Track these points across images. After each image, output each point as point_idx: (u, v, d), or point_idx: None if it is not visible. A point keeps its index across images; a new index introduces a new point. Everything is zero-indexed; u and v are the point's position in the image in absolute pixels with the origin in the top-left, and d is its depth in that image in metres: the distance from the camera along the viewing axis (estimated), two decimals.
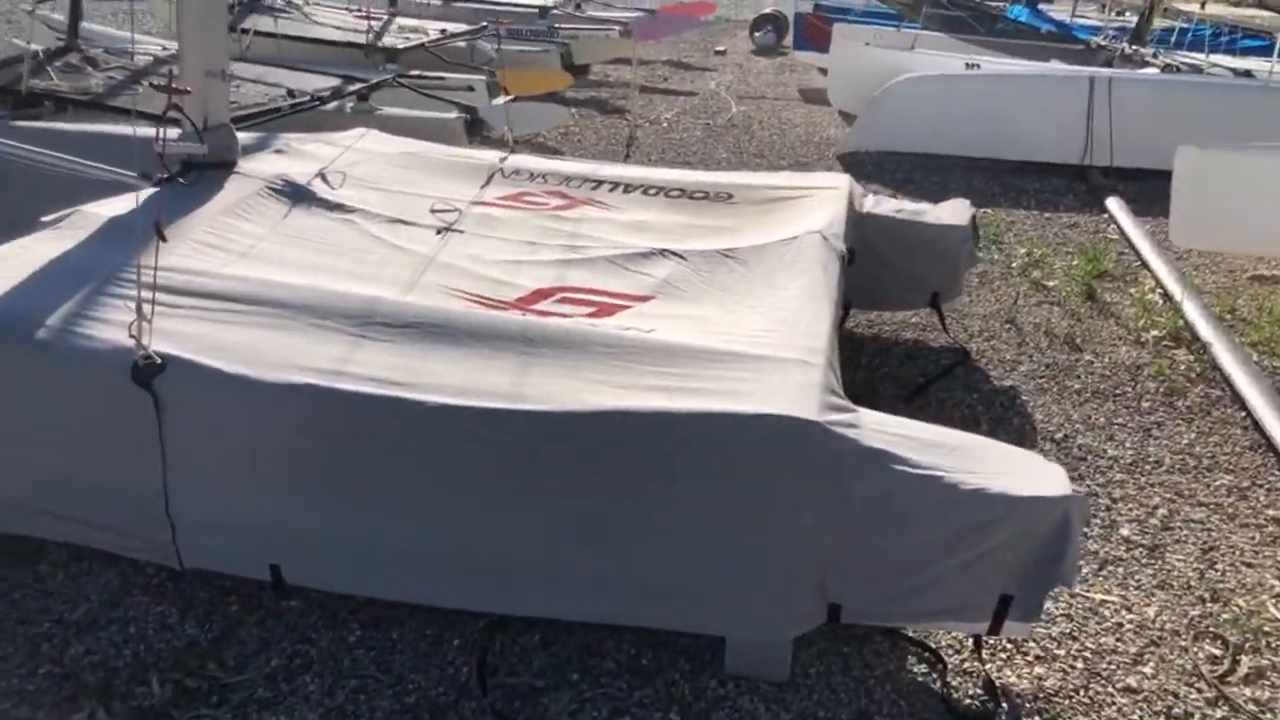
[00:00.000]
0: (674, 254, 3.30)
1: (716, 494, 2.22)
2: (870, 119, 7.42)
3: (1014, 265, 5.25)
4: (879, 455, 2.16)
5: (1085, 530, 2.95)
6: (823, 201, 3.71)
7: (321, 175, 3.69)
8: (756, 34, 14.32)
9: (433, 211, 3.57)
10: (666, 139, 8.20)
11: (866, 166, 7.32)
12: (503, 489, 2.30)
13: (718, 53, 13.56)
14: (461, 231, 3.47)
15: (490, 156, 4.30)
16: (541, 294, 3.03)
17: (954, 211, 4.09)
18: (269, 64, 6.77)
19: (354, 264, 3.13)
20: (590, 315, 2.92)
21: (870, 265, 3.91)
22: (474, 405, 2.23)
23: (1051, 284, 4.97)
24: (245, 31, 7.76)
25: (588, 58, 10.89)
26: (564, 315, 2.88)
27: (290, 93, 5.97)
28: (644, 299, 3.06)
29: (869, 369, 4.04)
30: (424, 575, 2.39)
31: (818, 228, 3.37)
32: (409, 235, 3.38)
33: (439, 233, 3.43)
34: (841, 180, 3.99)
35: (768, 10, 14.82)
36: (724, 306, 3.00)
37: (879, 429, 2.23)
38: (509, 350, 2.47)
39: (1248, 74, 7.88)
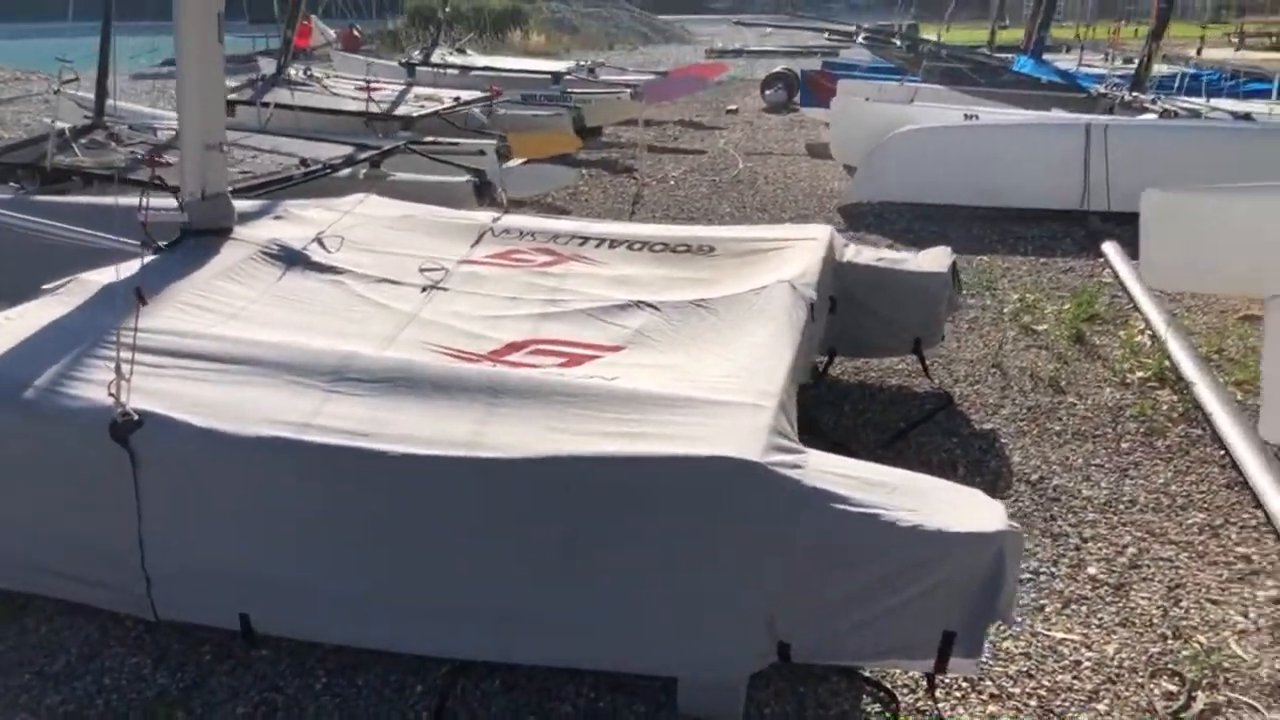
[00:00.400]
0: (649, 305, 3.38)
1: (664, 535, 2.27)
2: (870, 171, 7.53)
3: (1005, 310, 5.28)
4: (821, 495, 2.20)
5: (1052, 570, 2.96)
6: (800, 252, 3.79)
7: (319, 239, 3.83)
8: (768, 92, 14.63)
9: (421, 271, 3.69)
10: (672, 196, 8.37)
11: (868, 218, 7.42)
12: (461, 535, 2.36)
13: (729, 111, 13.84)
14: (446, 289, 3.59)
15: (484, 217, 4.43)
16: (515, 346, 3.12)
17: (934, 259, 4.16)
18: (286, 134, 7.05)
19: (340, 322, 3.25)
20: (560, 365, 3.00)
21: (852, 313, 4.00)
22: (433, 454, 2.31)
23: (1041, 328, 4.99)
24: (266, 105, 8.09)
25: (599, 120, 11.17)
26: (534, 366, 2.97)
27: (304, 161, 6.19)
28: (615, 349, 3.14)
29: (852, 415, 4.09)
30: (385, 622, 2.44)
31: (788, 277, 3.45)
32: (394, 294, 3.50)
33: (424, 290, 3.55)
34: (822, 231, 4.07)
35: (779, 69, 15.19)
36: (691, 355, 3.08)
37: (823, 469, 2.28)
38: (475, 401, 2.55)
39: (1247, 117, 7.91)
